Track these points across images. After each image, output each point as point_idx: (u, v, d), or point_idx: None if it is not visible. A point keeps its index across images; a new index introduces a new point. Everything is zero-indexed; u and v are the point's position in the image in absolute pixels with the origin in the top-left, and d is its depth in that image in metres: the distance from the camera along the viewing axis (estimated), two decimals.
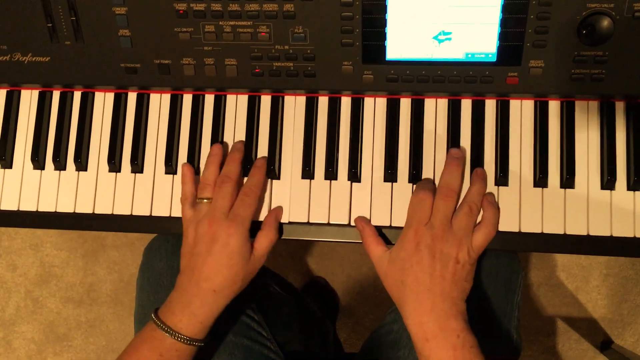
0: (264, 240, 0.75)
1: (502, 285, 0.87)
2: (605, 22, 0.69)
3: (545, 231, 0.75)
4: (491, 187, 0.76)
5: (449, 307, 0.69)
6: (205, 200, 0.75)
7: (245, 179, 0.78)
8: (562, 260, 1.56)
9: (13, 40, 0.77)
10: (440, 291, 0.69)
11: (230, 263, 0.72)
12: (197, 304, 0.72)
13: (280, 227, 0.78)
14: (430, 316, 0.68)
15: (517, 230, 0.75)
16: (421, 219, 0.72)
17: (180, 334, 0.71)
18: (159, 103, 0.82)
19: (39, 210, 0.81)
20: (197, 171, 0.80)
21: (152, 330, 0.73)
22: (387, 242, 0.77)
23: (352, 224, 0.77)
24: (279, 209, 0.78)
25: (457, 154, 0.76)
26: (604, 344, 1.53)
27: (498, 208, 0.75)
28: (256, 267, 0.75)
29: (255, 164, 0.78)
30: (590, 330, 1.55)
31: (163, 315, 0.73)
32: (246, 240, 0.73)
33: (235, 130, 0.80)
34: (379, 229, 0.76)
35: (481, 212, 0.74)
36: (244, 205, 0.74)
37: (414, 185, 0.77)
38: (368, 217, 0.77)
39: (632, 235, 0.74)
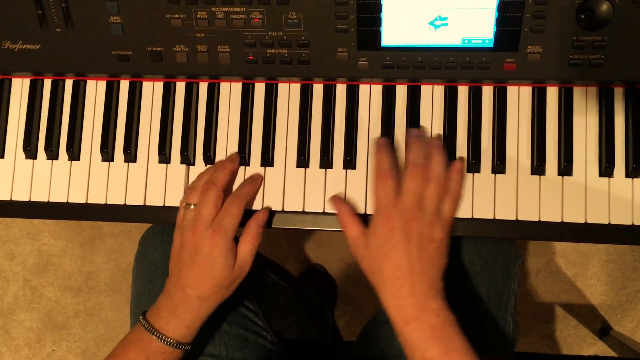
0: (246, 246, 0.75)
1: (500, 273, 0.87)
2: (605, 7, 0.68)
3: (542, 219, 0.74)
4: (488, 174, 0.75)
5: (428, 288, 0.68)
6: (192, 207, 0.74)
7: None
8: (561, 247, 1.56)
9: (2, 27, 0.76)
10: (419, 273, 0.68)
11: (213, 273, 0.72)
12: (183, 309, 0.72)
13: (272, 216, 0.78)
14: (410, 299, 0.68)
15: (514, 218, 0.74)
16: (388, 203, 0.71)
17: (167, 337, 0.72)
18: (152, 91, 0.81)
19: (32, 200, 0.80)
20: (192, 162, 0.79)
21: (139, 332, 0.73)
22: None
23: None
24: (264, 213, 0.76)
25: (417, 132, 0.75)
26: (603, 330, 1.53)
27: (461, 172, 0.74)
28: (240, 273, 0.75)
29: (251, 176, 0.78)
30: (589, 316, 1.55)
31: (151, 318, 0.73)
32: (229, 250, 0.72)
33: (229, 118, 0.79)
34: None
35: None
36: (228, 216, 0.72)
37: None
38: (364, 206, 0.76)
39: (630, 223, 0.73)
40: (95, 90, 0.81)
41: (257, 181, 0.77)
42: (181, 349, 0.73)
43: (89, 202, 0.80)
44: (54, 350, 1.68)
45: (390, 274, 0.69)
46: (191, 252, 0.72)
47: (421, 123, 0.77)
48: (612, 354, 1.47)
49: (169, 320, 0.72)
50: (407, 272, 0.68)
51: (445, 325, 0.67)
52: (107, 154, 0.79)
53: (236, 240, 0.75)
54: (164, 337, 0.72)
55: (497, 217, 0.74)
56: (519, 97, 0.76)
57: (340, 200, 0.76)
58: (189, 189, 0.76)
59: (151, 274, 0.88)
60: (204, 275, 0.72)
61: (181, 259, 0.73)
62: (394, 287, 0.69)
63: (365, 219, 0.74)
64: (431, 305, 0.68)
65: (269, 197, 0.78)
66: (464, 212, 0.75)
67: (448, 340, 0.66)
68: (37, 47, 0.77)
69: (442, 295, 0.69)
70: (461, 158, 0.76)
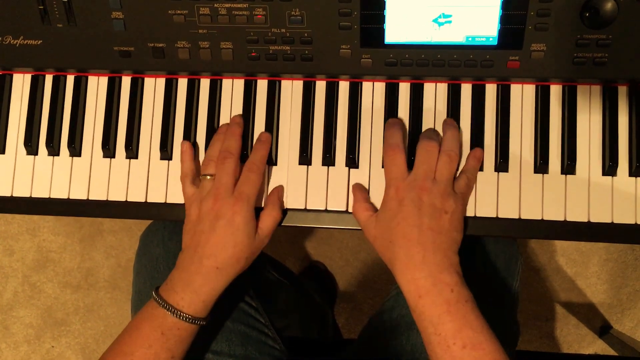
0: (268, 219, 0.74)
1: (501, 271, 0.86)
2: (609, 5, 0.68)
3: (545, 218, 0.74)
4: (491, 173, 0.75)
5: (441, 260, 0.67)
6: (208, 177, 0.74)
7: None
8: (561, 245, 1.56)
9: (4, 23, 0.76)
10: (430, 243, 0.67)
11: (235, 241, 0.71)
12: (199, 281, 0.71)
13: (284, 209, 0.77)
14: (422, 271, 0.66)
15: (517, 217, 0.74)
16: (399, 175, 0.70)
17: (182, 312, 0.70)
18: (154, 87, 0.80)
19: (33, 196, 0.80)
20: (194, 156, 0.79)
21: (153, 308, 0.71)
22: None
23: (350, 210, 0.76)
24: (280, 188, 0.76)
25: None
26: (603, 329, 1.53)
27: (479, 159, 0.74)
28: (260, 246, 0.74)
29: (259, 138, 0.77)
30: (589, 315, 1.55)
31: (164, 294, 0.72)
32: (251, 218, 0.72)
33: (231, 115, 0.79)
34: None
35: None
36: (248, 182, 0.72)
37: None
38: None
39: (633, 222, 0.73)
40: (97, 86, 0.81)
41: (267, 141, 0.76)
42: (197, 324, 0.72)
43: (90, 198, 0.79)
44: (53, 347, 1.68)
45: (402, 245, 0.68)
46: (211, 221, 0.71)
47: (424, 121, 0.77)
48: (612, 352, 1.47)
49: (184, 295, 0.70)
50: (417, 241, 0.67)
51: (459, 301, 0.65)
52: (108, 150, 0.79)
53: None
54: (179, 313, 0.70)
55: (500, 216, 0.74)
56: (523, 96, 0.76)
57: (357, 187, 0.75)
58: (204, 160, 0.75)
59: (153, 270, 0.87)
60: (225, 243, 0.70)
61: (199, 230, 0.72)
62: (405, 258, 0.67)
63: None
64: (445, 278, 0.66)
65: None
66: (466, 211, 0.75)
67: (462, 317, 0.64)
68: (38, 43, 0.77)
69: (457, 270, 0.68)
70: (481, 148, 0.75)
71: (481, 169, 0.75)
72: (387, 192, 0.71)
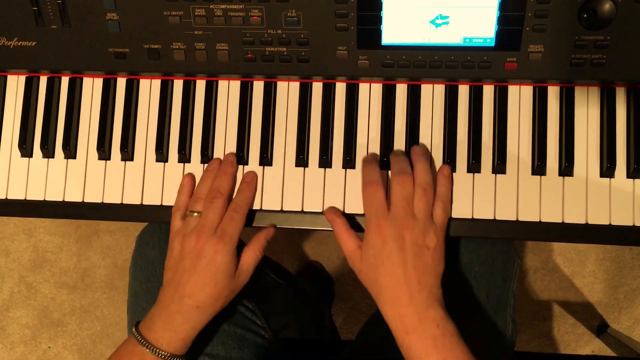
0: (251, 256, 0.75)
1: (498, 273, 0.86)
2: (607, 6, 0.68)
3: (543, 220, 0.74)
4: (488, 175, 0.75)
5: (427, 297, 0.68)
6: (195, 214, 0.74)
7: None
8: (559, 244, 1.56)
9: None
10: (416, 282, 0.68)
11: (215, 280, 0.71)
12: (179, 320, 0.71)
13: (270, 216, 0.77)
14: (409, 309, 0.67)
15: (514, 219, 0.74)
16: (379, 212, 0.70)
17: (162, 351, 0.71)
18: (149, 89, 0.80)
19: (28, 198, 0.79)
20: (189, 161, 0.78)
21: (133, 345, 0.72)
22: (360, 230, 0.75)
23: (347, 211, 0.76)
24: (271, 230, 0.77)
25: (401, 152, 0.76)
26: (600, 328, 1.53)
27: (448, 177, 0.74)
28: (241, 283, 0.75)
29: (244, 179, 0.77)
30: (586, 314, 1.55)
31: (144, 331, 0.72)
32: (233, 257, 0.73)
33: (227, 117, 0.78)
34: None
35: None
36: (232, 222, 0.73)
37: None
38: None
39: (631, 224, 0.73)
40: (92, 87, 0.80)
41: (252, 182, 0.77)
42: None
43: (86, 200, 0.79)
44: (49, 347, 1.68)
45: (388, 285, 0.69)
46: (193, 259, 0.72)
47: (421, 122, 0.76)
48: (609, 351, 1.47)
49: (163, 333, 0.71)
50: (403, 281, 0.68)
51: (445, 335, 0.66)
52: (103, 152, 0.79)
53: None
54: (158, 351, 0.70)
55: (497, 218, 0.74)
56: (520, 97, 0.76)
57: (335, 213, 0.75)
58: (193, 197, 0.76)
59: (149, 272, 0.87)
60: (206, 283, 0.71)
61: (181, 268, 0.72)
62: (392, 297, 0.68)
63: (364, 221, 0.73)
64: (430, 314, 0.67)
65: (268, 197, 0.77)
66: (464, 213, 0.74)
67: (448, 350, 0.66)
68: (32, 44, 0.76)
69: (442, 303, 0.69)
70: (448, 163, 0.75)
71: (478, 171, 0.75)
72: (369, 229, 0.71)
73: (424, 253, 0.69)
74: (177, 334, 0.71)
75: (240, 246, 0.76)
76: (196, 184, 0.77)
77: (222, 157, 0.78)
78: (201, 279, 0.71)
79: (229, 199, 0.76)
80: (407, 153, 0.75)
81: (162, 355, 0.71)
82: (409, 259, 0.68)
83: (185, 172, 0.78)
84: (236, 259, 0.73)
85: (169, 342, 0.71)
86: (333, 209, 0.76)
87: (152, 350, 0.70)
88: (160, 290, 0.75)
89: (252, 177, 0.77)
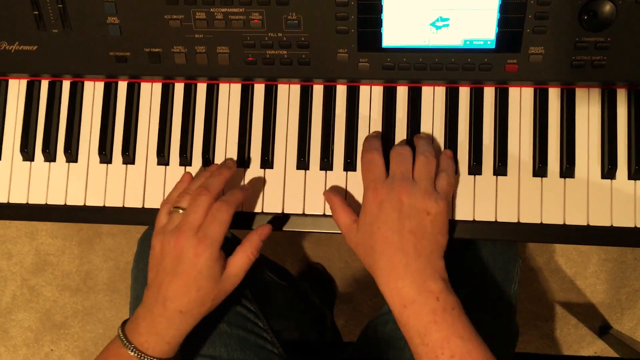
0: (242, 258, 0.70)
1: (500, 274, 0.86)
2: (607, 8, 0.68)
3: (544, 221, 0.74)
4: (490, 176, 0.75)
5: (424, 266, 0.64)
6: (180, 211, 0.70)
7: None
8: (561, 245, 1.56)
9: None
10: (412, 249, 0.64)
11: (197, 285, 0.67)
12: (163, 324, 0.68)
13: (271, 219, 0.76)
14: (405, 279, 0.63)
15: (515, 220, 0.74)
16: (377, 176, 0.68)
17: (147, 355, 0.68)
18: (150, 92, 0.80)
19: (30, 202, 0.80)
20: (191, 164, 0.79)
21: (118, 347, 0.69)
22: None
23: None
24: (266, 228, 0.73)
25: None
26: (602, 329, 1.53)
27: (451, 157, 0.73)
28: (228, 287, 0.70)
29: (241, 186, 0.75)
30: (589, 315, 1.55)
31: (130, 333, 0.69)
32: (215, 261, 0.68)
33: (228, 120, 0.79)
34: None
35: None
36: (214, 222, 0.68)
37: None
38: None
39: (632, 225, 0.73)
40: (93, 91, 0.80)
41: (246, 190, 0.74)
42: None
43: (87, 204, 0.79)
44: (52, 350, 1.68)
45: (383, 251, 0.65)
46: (173, 261, 0.67)
47: (422, 124, 0.76)
48: (612, 352, 1.47)
49: (148, 337, 0.68)
50: (399, 247, 0.64)
51: (446, 309, 0.62)
52: (105, 156, 0.79)
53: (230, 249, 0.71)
54: (143, 355, 0.68)
55: (498, 220, 0.74)
56: (521, 99, 0.76)
57: (332, 192, 0.74)
58: (181, 192, 0.72)
59: None
60: (188, 287, 0.67)
61: (162, 269, 0.68)
62: (388, 266, 0.64)
63: None
64: (429, 286, 0.63)
65: (269, 200, 0.77)
66: (465, 215, 0.74)
67: (449, 325, 0.62)
68: (34, 48, 0.76)
69: (443, 276, 0.65)
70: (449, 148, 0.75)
71: (480, 173, 0.75)
72: (366, 195, 0.68)
73: (422, 217, 0.65)
74: (162, 337, 0.68)
75: (236, 244, 0.72)
76: None
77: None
78: (183, 283, 0.67)
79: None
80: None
81: (147, 359, 0.68)
82: (406, 222, 0.64)
83: None
84: (221, 261, 0.69)
85: (154, 346, 0.68)
86: (330, 189, 0.74)
87: (137, 353, 0.68)
88: (145, 290, 0.72)
89: (247, 187, 0.75)
